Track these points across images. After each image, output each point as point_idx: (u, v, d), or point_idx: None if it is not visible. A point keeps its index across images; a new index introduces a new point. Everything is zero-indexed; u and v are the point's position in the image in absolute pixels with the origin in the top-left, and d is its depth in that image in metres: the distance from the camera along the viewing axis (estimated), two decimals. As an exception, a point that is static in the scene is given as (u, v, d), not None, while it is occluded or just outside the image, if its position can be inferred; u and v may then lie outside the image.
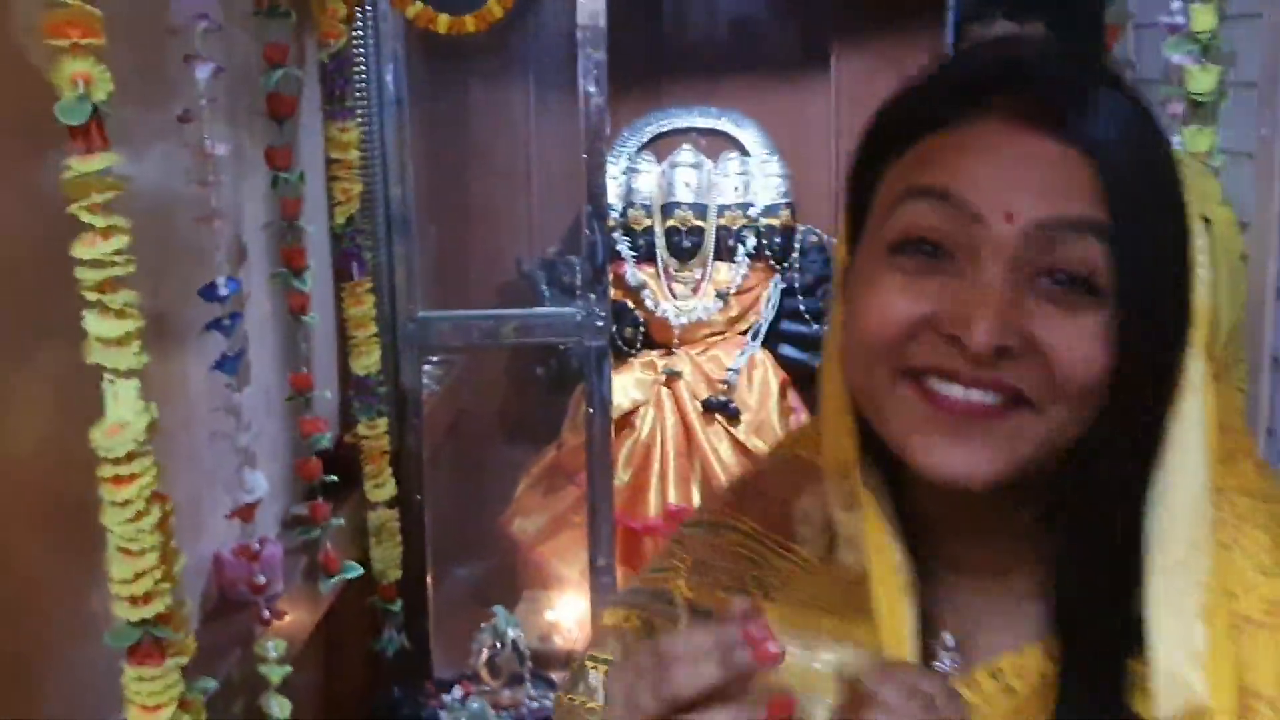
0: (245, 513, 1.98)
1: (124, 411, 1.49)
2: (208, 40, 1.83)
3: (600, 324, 2.85)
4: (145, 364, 1.51)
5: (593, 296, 2.85)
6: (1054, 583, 0.75)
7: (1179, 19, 1.88)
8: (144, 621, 1.52)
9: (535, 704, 2.77)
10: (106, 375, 1.49)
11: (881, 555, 0.76)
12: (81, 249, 1.45)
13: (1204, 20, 1.78)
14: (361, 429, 2.69)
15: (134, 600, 1.51)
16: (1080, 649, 0.73)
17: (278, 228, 2.31)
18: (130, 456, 1.49)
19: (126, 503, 1.49)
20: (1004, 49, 0.80)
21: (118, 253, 1.47)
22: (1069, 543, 0.74)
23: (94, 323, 1.47)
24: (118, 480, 1.49)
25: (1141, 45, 2.26)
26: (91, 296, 1.46)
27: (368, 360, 2.66)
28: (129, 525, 1.49)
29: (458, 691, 2.81)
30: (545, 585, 3.50)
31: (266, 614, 2.00)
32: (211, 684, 1.76)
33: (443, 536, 3.21)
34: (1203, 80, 1.78)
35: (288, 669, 2.04)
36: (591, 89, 2.76)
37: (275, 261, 2.34)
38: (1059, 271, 0.67)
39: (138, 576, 1.50)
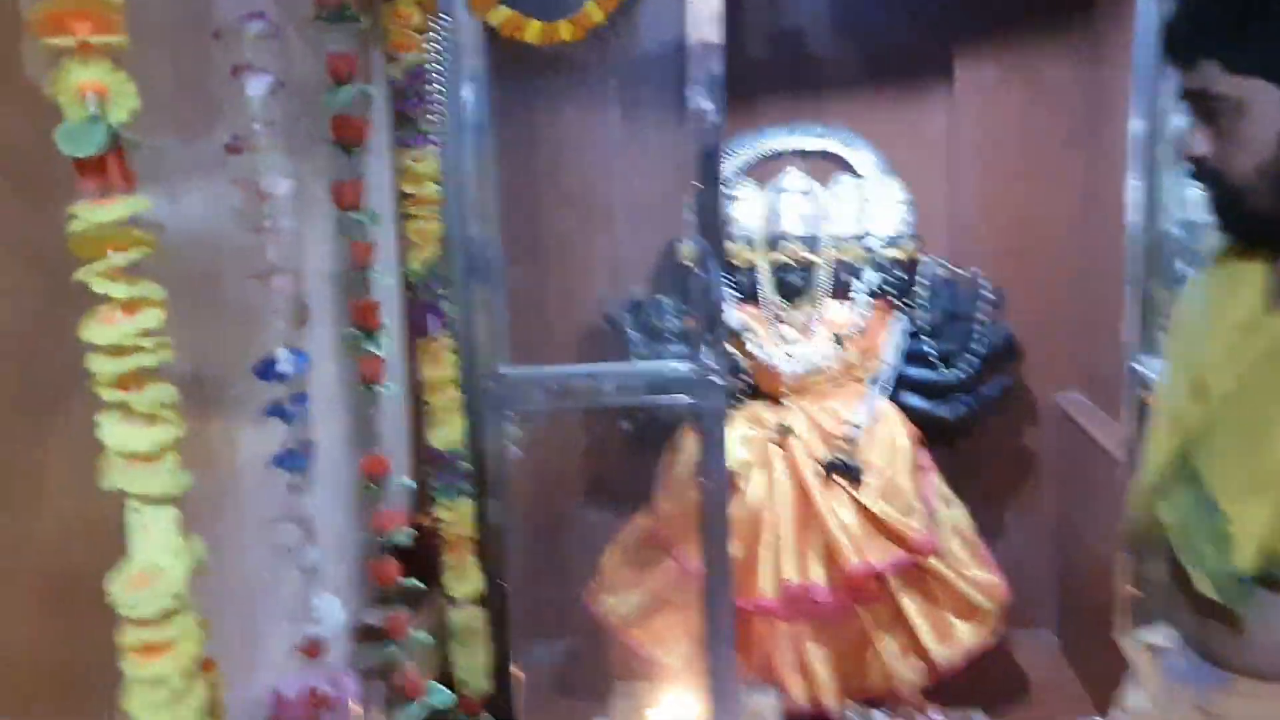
0: (313, 648, 1.56)
1: (156, 553, 1.07)
2: (260, 48, 1.43)
3: (716, 379, 2.42)
4: (187, 488, 1.09)
5: (706, 347, 2.42)
6: None
7: None
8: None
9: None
10: (131, 503, 1.07)
11: None
12: (94, 330, 1.04)
13: None
14: (441, 512, 2.27)
15: (172, 815, 1.09)
16: None
17: (345, 277, 1.90)
18: (165, 616, 1.07)
19: (158, 681, 1.07)
20: None
21: (146, 334, 1.06)
22: None
23: (113, 431, 1.05)
24: (147, 650, 1.07)
25: None
26: (109, 395, 1.05)
27: (448, 432, 2.24)
28: (161, 713, 1.07)
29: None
30: (641, 676, 3.05)
31: (341, 774, 1.58)
32: None
33: (524, 615, 2.77)
34: None
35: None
36: (705, 105, 2.33)
37: (340, 316, 1.93)
38: None
39: (176, 782, 1.08)
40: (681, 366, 2.48)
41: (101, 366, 1.04)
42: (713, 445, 2.46)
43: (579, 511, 3.49)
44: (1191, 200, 2.59)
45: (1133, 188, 2.53)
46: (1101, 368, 3.10)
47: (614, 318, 3.26)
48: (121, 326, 1.03)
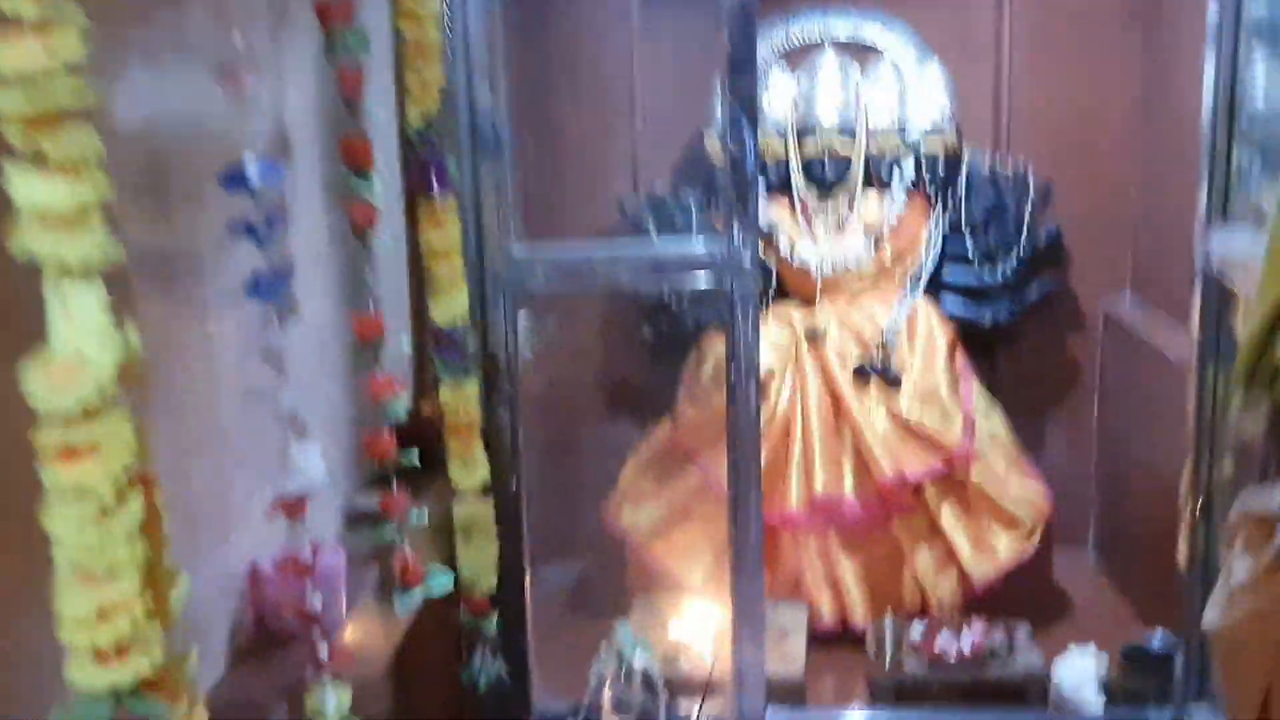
0: (293, 507, 1.37)
1: (80, 338, 0.89)
2: None
3: (748, 262, 2.21)
4: (117, 261, 0.90)
5: (737, 223, 2.21)
6: None
7: None
8: (118, 690, 0.92)
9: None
10: (49, 275, 0.88)
11: None
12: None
13: None
14: (445, 395, 2.08)
15: (100, 655, 0.91)
16: None
17: (332, 114, 1.70)
18: (89, 414, 0.89)
19: (83, 491, 0.89)
20: None
21: (64, 68, 0.86)
22: None
23: (24, 184, 0.86)
24: (68, 454, 0.88)
25: None
26: (18, 137, 0.86)
27: (453, 304, 2.05)
28: (87, 530, 0.89)
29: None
30: (661, 589, 2.87)
31: (323, 652, 1.40)
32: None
33: (536, 532, 2.59)
34: None
35: (353, 727, 1.44)
36: (738, -49, 2.12)
37: (330, 162, 1.74)
38: None
39: (103, 616, 0.90)
40: (709, 246, 2.28)
41: (10, 102, 0.84)
42: (742, 333, 2.26)
43: (596, 424, 3.30)
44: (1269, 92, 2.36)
45: (1210, 73, 2.28)
46: (1161, 266, 2.88)
47: (631, 211, 3.06)
48: (31, 51, 0.84)
